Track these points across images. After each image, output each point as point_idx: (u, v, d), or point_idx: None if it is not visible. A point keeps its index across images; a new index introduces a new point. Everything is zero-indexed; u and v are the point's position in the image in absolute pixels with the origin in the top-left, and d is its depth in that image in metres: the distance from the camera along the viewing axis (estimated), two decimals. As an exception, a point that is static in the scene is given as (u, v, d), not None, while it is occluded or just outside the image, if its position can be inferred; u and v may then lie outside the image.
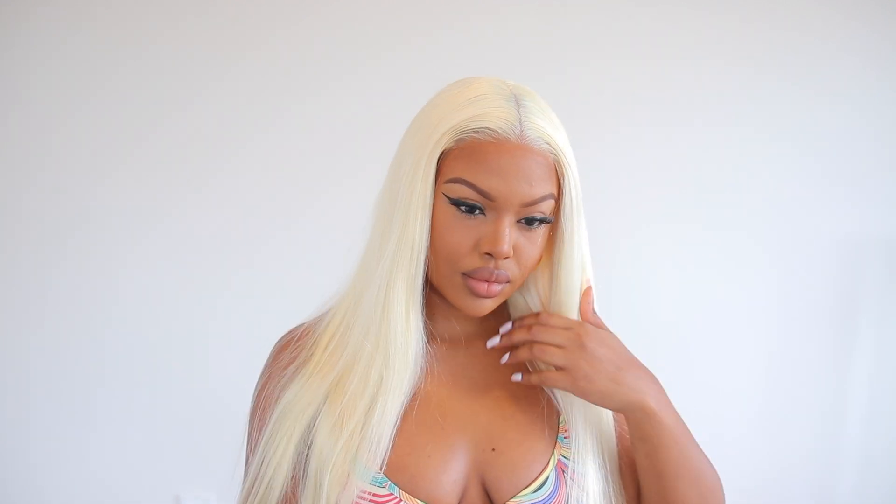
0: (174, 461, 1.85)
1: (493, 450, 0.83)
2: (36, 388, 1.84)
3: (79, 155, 1.80)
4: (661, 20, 1.82)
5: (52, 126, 1.79)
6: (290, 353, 0.87)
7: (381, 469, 0.79)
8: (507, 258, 0.77)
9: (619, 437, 0.89)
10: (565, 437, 0.85)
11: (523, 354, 0.83)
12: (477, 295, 0.79)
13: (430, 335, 0.85)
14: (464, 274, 0.79)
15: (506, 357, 0.85)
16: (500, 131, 0.76)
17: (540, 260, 0.83)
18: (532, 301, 0.89)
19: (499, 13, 1.81)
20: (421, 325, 0.82)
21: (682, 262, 1.86)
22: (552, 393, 0.86)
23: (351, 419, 0.80)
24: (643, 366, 0.84)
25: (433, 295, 0.85)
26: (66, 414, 1.84)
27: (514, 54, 1.80)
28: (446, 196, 0.77)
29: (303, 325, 0.91)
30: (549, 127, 0.78)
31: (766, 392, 1.90)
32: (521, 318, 0.86)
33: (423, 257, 0.79)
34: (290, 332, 0.91)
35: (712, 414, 1.87)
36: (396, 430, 0.80)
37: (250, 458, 0.88)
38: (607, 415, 0.87)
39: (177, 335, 1.83)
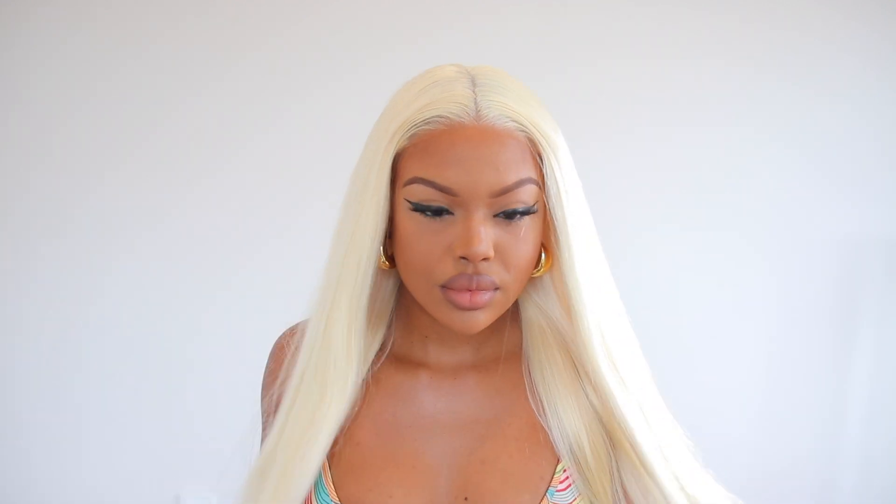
0: (174, 461, 1.85)
1: (466, 499, 0.72)
2: (35, 387, 1.84)
3: (76, 154, 1.80)
4: (660, 20, 1.82)
5: (50, 125, 1.79)
6: (287, 351, 0.82)
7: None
8: (486, 259, 0.66)
9: None
10: (560, 490, 0.72)
11: None
12: (461, 307, 0.68)
13: (419, 362, 0.77)
14: (442, 286, 0.68)
15: None
16: (452, 116, 0.66)
17: (534, 260, 0.71)
18: (551, 310, 0.77)
19: (499, 13, 1.81)
20: (362, 345, 0.73)
21: (682, 261, 1.86)
22: (553, 435, 0.73)
23: (299, 438, 0.73)
24: None
25: (424, 315, 0.75)
26: (66, 414, 1.84)
27: (514, 54, 1.80)
28: (408, 201, 0.68)
29: (303, 322, 0.86)
30: (513, 102, 0.68)
31: (766, 392, 1.90)
32: None
33: (370, 275, 0.71)
34: (291, 329, 0.88)
35: (713, 414, 1.87)
36: (361, 459, 0.73)
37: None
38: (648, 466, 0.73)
39: (177, 335, 1.83)
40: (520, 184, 0.67)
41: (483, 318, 0.69)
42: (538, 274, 0.74)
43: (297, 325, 0.88)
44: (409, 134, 0.68)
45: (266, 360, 0.90)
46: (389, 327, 0.79)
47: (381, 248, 0.72)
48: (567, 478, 0.73)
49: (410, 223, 0.68)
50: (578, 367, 0.75)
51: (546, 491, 0.72)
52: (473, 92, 0.68)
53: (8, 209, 1.79)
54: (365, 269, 0.71)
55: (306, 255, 1.82)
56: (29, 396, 1.84)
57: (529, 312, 0.78)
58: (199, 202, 1.81)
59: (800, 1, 1.83)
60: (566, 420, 0.73)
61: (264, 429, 0.88)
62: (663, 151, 1.84)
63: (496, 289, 0.69)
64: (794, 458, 1.91)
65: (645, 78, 1.82)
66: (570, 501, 0.72)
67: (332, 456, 0.74)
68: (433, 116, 0.67)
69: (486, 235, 0.66)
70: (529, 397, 0.75)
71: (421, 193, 0.67)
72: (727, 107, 1.84)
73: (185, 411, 1.83)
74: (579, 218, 0.71)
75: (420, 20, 1.81)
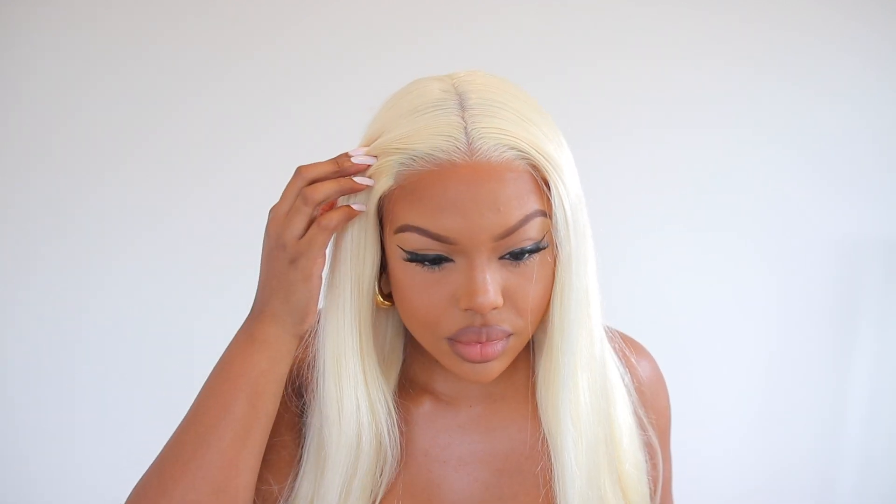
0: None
1: None
2: (34, 386, 1.84)
3: (76, 154, 1.80)
4: (659, 20, 1.82)
5: (49, 125, 1.79)
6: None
7: None
8: (495, 308, 0.60)
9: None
10: None
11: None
12: (472, 361, 0.62)
13: (431, 393, 0.71)
14: (449, 339, 0.62)
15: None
16: (440, 155, 0.58)
17: (549, 297, 0.64)
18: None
19: (498, 13, 1.81)
20: (383, 407, 0.66)
21: (681, 262, 1.86)
22: (552, 467, 0.69)
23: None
24: None
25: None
26: (64, 414, 1.84)
27: (513, 54, 1.80)
28: (402, 249, 0.60)
29: None
30: (510, 124, 0.59)
31: (765, 392, 1.90)
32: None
33: (369, 324, 0.64)
34: None
35: (712, 414, 1.87)
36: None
37: None
38: (614, 423, 0.71)
39: (177, 335, 1.83)
40: (525, 220, 0.59)
41: (497, 368, 0.63)
42: None
43: None
44: (394, 172, 0.60)
45: None
46: (403, 362, 0.73)
47: (377, 287, 0.65)
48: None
49: (406, 274, 0.61)
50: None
51: None
52: (463, 119, 0.59)
53: (6, 209, 1.80)
54: (364, 326, 0.64)
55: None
56: (28, 396, 1.84)
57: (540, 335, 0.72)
58: (199, 203, 1.81)
59: (799, 1, 1.82)
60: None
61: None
62: (662, 152, 1.84)
63: (509, 335, 0.62)
64: (794, 458, 1.91)
65: (642, 78, 1.82)
66: None
67: None
68: (420, 154, 0.58)
69: (493, 283, 0.59)
70: (545, 429, 0.70)
71: (415, 242, 0.59)
72: (726, 107, 1.83)
73: (185, 411, 1.83)
74: (586, 255, 0.64)
75: (420, 20, 1.80)
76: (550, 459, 0.68)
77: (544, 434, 0.69)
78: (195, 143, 1.80)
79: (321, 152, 1.90)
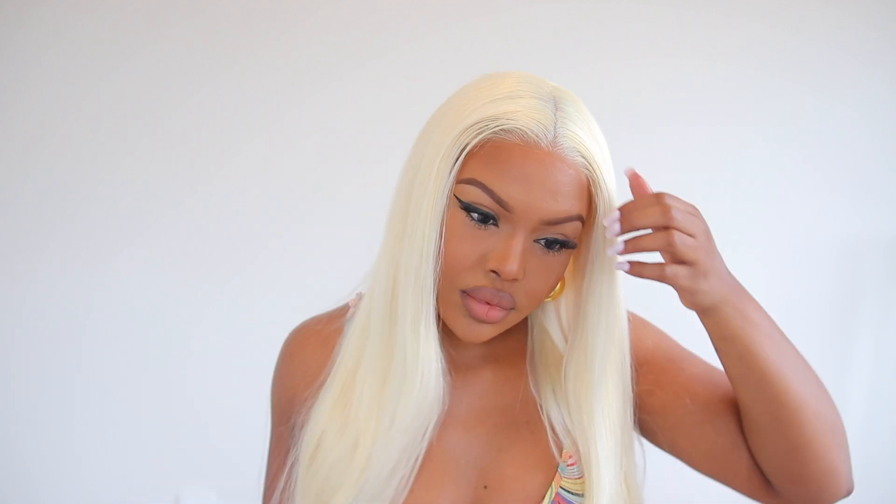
0: (174, 461, 1.85)
1: (486, 487, 0.75)
2: (33, 386, 1.84)
3: (76, 153, 1.80)
4: (659, 19, 1.82)
5: (50, 123, 1.79)
6: (313, 350, 0.82)
7: None
8: (515, 280, 0.67)
9: (676, 397, 0.80)
10: (569, 465, 0.77)
11: (657, 242, 0.67)
12: (475, 317, 0.70)
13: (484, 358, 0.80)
14: (463, 291, 0.69)
15: (620, 243, 0.68)
16: (529, 133, 0.66)
17: (553, 290, 0.73)
18: (553, 333, 0.80)
19: (502, 12, 1.81)
20: (436, 343, 0.72)
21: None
22: (552, 422, 0.77)
23: (362, 445, 0.73)
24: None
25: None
26: (65, 413, 1.84)
27: (517, 53, 1.80)
28: (458, 199, 0.68)
29: (318, 318, 0.86)
30: (587, 138, 0.69)
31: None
32: (640, 200, 0.69)
33: (431, 265, 0.68)
34: (297, 332, 0.87)
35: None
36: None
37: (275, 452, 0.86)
38: (626, 427, 0.78)
39: (177, 334, 1.83)
40: (570, 218, 0.68)
41: (489, 332, 0.71)
42: (548, 299, 0.77)
43: (305, 326, 0.87)
44: (482, 136, 0.67)
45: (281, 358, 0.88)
46: None
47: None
48: (572, 455, 0.77)
49: (455, 220, 0.68)
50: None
51: (557, 467, 0.76)
52: (555, 117, 0.68)
53: (7, 205, 1.80)
54: (427, 258, 0.68)
55: (309, 255, 1.83)
56: (27, 395, 1.84)
57: (533, 318, 0.82)
58: (198, 202, 1.81)
59: (800, 1, 1.82)
60: (561, 415, 0.77)
61: (275, 431, 0.87)
62: (661, 151, 1.84)
63: (511, 308, 0.70)
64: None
65: (642, 77, 1.82)
66: (577, 477, 0.76)
67: None
68: (513, 127, 0.66)
69: (523, 258, 0.67)
70: (533, 389, 0.79)
71: (475, 196, 0.67)
72: (726, 106, 1.83)
73: (185, 411, 1.83)
74: (609, 262, 0.72)
75: (426, 19, 1.80)
76: (540, 413, 0.77)
77: (532, 394, 0.78)
78: (195, 142, 1.80)
79: (324, 153, 1.91)
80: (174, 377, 1.84)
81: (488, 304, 0.69)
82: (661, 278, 0.68)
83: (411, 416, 0.71)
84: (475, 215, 0.67)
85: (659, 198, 0.68)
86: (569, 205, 0.67)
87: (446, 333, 0.75)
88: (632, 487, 0.80)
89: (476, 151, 0.67)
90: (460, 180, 0.67)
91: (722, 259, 0.71)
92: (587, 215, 0.70)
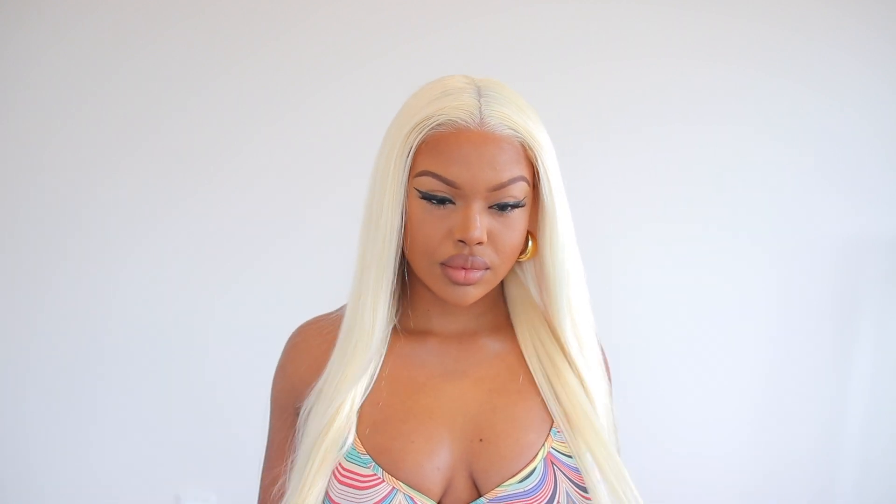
0: (174, 461, 1.85)
1: (481, 440, 0.83)
2: (35, 387, 1.84)
3: (79, 155, 1.80)
4: (660, 18, 1.82)
5: (52, 125, 1.79)
6: (316, 343, 0.90)
7: (347, 444, 0.82)
8: (480, 244, 0.79)
9: None
10: (559, 431, 0.85)
11: None
12: (456, 283, 0.81)
13: (427, 332, 0.89)
14: (441, 264, 0.81)
15: None
16: (459, 121, 0.78)
17: (525, 246, 0.85)
18: (529, 288, 0.91)
19: (502, 12, 1.81)
20: (386, 316, 0.84)
21: (681, 263, 1.86)
22: (545, 401, 0.86)
23: (332, 397, 0.84)
24: None
25: (427, 292, 0.88)
26: (66, 413, 1.85)
27: (512, 54, 1.80)
28: (417, 190, 0.80)
29: (320, 315, 0.94)
30: (512, 112, 0.80)
31: (766, 392, 1.90)
32: None
33: (391, 252, 0.81)
34: (302, 327, 0.94)
35: (712, 415, 1.87)
36: (383, 416, 0.84)
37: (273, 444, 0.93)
38: (606, 415, 0.88)
39: (178, 335, 1.83)
40: (512, 181, 0.79)
41: (474, 293, 0.82)
42: (524, 259, 0.87)
43: (307, 323, 0.94)
44: (423, 134, 0.79)
45: (280, 358, 0.94)
46: (400, 305, 0.90)
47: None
48: (560, 429, 0.85)
49: (418, 209, 0.80)
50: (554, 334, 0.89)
51: (549, 430, 0.85)
52: (479, 102, 0.79)
53: (6, 209, 1.80)
54: (388, 245, 0.81)
55: (311, 255, 1.83)
56: (28, 396, 1.84)
57: (513, 291, 0.93)
58: (200, 203, 1.82)
59: (802, 1, 1.82)
60: (554, 385, 0.86)
61: (274, 426, 0.93)
62: (660, 151, 1.84)
63: (487, 268, 0.81)
64: (794, 459, 1.91)
65: (643, 76, 1.82)
66: (566, 441, 0.85)
67: (357, 417, 0.85)
68: (445, 120, 0.79)
69: (482, 223, 0.79)
70: (526, 360, 0.89)
71: (429, 184, 0.79)
72: (726, 106, 1.83)
73: (186, 411, 1.83)
74: (563, 211, 0.84)
75: (423, 20, 1.80)
76: (531, 375, 0.87)
77: (524, 357, 0.89)
78: (197, 143, 1.81)
79: (324, 153, 1.91)
80: (176, 378, 1.84)
81: (464, 268, 0.80)
82: None
83: (354, 374, 0.84)
84: (434, 200, 0.79)
85: None
86: (508, 170, 0.78)
87: (434, 311, 0.89)
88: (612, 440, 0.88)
89: (422, 148, 0.79)
90: (416, 174, 0.80)
91: None
92: (531, 175, 0.81)
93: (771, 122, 1.84)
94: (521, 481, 0.82)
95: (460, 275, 0.80)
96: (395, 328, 0.88)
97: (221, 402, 1.81)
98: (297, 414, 0.88)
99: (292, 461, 0.86)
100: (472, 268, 0.80)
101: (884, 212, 1.86)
